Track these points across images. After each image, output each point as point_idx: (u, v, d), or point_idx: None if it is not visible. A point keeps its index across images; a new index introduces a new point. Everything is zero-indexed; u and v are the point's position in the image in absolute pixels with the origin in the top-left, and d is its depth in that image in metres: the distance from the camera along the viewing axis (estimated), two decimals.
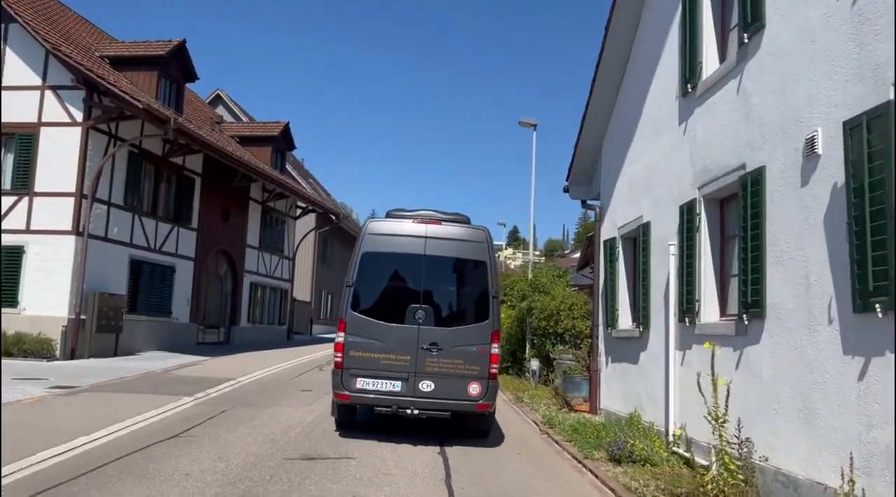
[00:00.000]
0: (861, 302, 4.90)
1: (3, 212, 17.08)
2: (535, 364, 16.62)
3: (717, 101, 7.69)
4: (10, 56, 17.62)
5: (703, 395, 6.17)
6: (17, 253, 17.00)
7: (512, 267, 68.19)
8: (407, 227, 9.12)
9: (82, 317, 17.11)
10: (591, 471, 7.76)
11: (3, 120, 16.53)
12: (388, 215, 9.57)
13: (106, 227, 18.43)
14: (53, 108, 17.49)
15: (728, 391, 6.02)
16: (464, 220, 9.47)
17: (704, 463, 7.16)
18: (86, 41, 20.98)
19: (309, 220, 36.70)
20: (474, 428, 9.38)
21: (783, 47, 6.36)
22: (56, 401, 10.46)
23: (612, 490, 6.84)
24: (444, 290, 9.30)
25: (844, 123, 5.19)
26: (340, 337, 8.77)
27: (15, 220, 17.16)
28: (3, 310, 16.05)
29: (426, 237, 8.99)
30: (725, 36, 8.11)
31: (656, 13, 9.97)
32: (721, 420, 6.02)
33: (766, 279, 6.40)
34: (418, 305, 8.84)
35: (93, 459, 6.76)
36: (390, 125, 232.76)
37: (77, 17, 22.86)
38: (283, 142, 32.10)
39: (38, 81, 17.60)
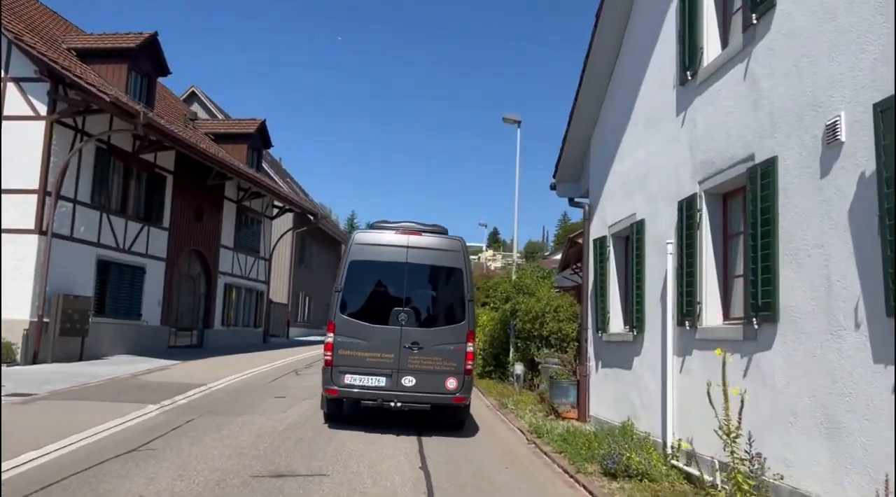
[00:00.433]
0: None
1: None
2: (519, 368, 16.05)
3: (721, 88, 7.16)
4: None
5: (713, 407, 5.60)
6: None
7: (492, 268, 67.65)
8: (390, 237, 10.03)
9: (45, 320, 16.27)
10: (584, 486, 7.17)
11: None
12: (373, 227, 10.51)
13: (71, 226, 17.61)
14: (16, 101, 16.60)
15: (742, 402, 5.46)
16: (441, 231, 10.41)
17: (708, 478, 6.61)
18: (52, 33, 20.13)
19: (286, 220, 35.95)
20: (451, 419, 10.26)
21: (798, 27, 5.83)
22: (9, 410, 9.69)
23: None
24: (423, 295, 10.21)
25: (875, 106, 4.67)
26: (330, 337, 9.63)
27: None
28: None
29: (408, 247, 9.93)
30: (728, 19, 7.58)
31: None
32: (733, 434, 5.46)
33: (778, 279, 5.87)
34: (401, 308, 9.74)
35: (37, 479, 6.07)
36: (371, 127, 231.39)
37: (44, 8, 21.95)
38: (259, 139, 31.30)
39: None
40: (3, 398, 10.55)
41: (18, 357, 15.67)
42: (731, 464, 5.45)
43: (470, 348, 9.70)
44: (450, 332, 9.75)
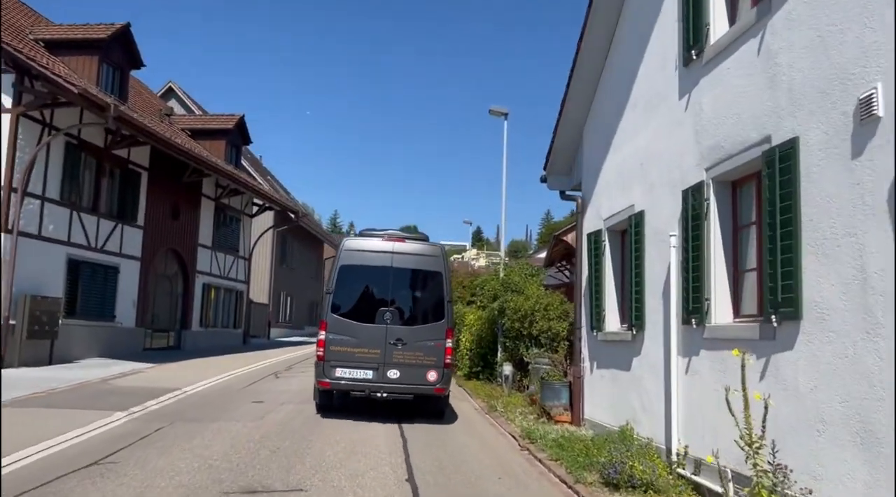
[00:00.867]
0: None
1: None
2: (507, 369, 15.44)
3: (732, 65, 6.60)
4: None
5: (732, 415, 5.05)
6: None
7: (476, 267, 67.02)
8: (377, 244, 11.00)
9: (11, 322, 15.47)
10: None
11: None
12: (361, 234, 11.77)
13: (39, 224, 16.80)
14: None
15: (766, 409, 4.89)
16: (423, 238, 11.56)
17: (718, 490, 6.06)
18: (19, 23, 19.26)
19: (266, 219, 35.12)
20: (431, 409, 11.21)
21: None
22: None
23: None
24: (407, 296, 11.24)
25: None
26: (322, 335, 10.60)
27: None
28: None
29: (393, 252, 10.88)
30: None
31: None
32: (756, 444, 4.90)
33: (801, 272, 5.32)
34: (386, 308, 10.73)
35: None
36: (357, 126, 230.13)
37: None
38: (238, 135, 30.42)
39: None
40: None
41: None
42: (755, 477, 4.89)
43: (449, 344, 10.69)
44: (431, 329, 10.71)
